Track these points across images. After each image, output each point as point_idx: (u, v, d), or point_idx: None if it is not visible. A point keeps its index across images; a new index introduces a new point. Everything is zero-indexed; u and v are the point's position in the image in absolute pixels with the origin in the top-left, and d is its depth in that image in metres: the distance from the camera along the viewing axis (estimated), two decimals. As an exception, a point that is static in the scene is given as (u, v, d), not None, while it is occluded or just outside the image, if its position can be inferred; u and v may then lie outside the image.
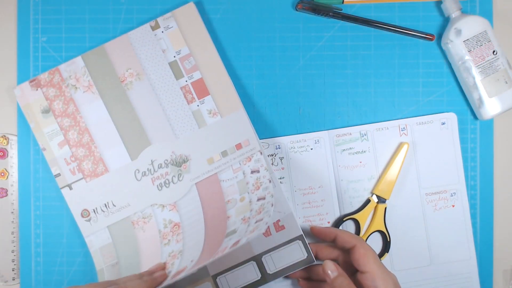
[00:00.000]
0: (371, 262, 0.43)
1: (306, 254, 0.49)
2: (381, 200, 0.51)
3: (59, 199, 0.51)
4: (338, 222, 0.51)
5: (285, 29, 0.52)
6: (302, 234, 0.49)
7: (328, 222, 0.51)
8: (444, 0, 0.50)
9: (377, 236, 0.52)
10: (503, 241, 0.53)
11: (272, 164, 0.51)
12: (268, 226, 0.49)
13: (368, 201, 0.51)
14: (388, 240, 0.51)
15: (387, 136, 0.52)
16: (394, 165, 0.51)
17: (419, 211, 0.51)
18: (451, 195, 0.51)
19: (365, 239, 0.51)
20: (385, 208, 0.51)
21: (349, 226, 0.52)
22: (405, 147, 0.50)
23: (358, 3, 0.52)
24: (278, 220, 0.49)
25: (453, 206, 0.51)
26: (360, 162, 0.51)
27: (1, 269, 0.53)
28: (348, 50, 0.52)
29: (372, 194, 0.51)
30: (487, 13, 0.52)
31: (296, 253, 0.49)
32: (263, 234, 0.49)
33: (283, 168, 0.51)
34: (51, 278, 0.52)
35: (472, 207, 0.52)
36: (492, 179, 0.52)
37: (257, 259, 0.49)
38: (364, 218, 0.51)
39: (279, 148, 0.51)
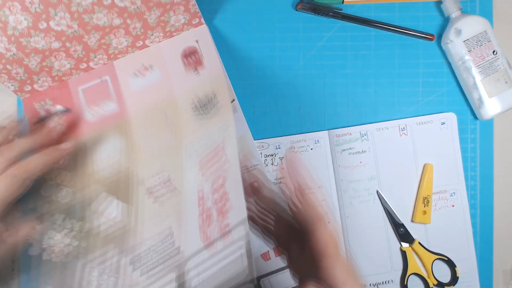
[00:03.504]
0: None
1: None
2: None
3: (59, 199, 0.51)
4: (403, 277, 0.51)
5: (285, 29, 0.52)
6: None
7: (329, 222, 0.51)
8: (444, 0, 0.50)
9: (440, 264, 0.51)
10: (503, 241, 0.53)
11: (272, 164, 0.51)
12: (268, 251, 0.49)
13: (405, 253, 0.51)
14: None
15: (387, 136, 0.52)
16: None
17: (419, 211, 0.51)
18: (451, 195, 0.51)
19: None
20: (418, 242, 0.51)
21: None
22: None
23: (358, 3, 0.52)
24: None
25: (453, 206, 0.51)
26: (360, 162, 0.51)
27: (1, 269, 0.52)
28: (348, 50, 0.52)
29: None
30: (487, 13, 0.52)
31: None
32: (263, 258, 0.49)
33: (283, 168, 0.51)
34: (51, 279, 0.52)
35: (472, 207, 0.52)
36: (492, 179, 0.52)
37: (255, 283, 0.49)
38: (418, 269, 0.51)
39: (279, 148, 0.51)
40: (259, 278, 0.49)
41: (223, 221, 0.45)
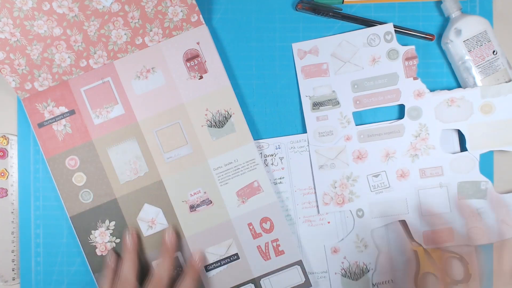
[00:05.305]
0: None
1: (304, 279, 0.49)
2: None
3: (59, 199, 0.51)
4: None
5: (285, 29, 0.52)
6: (301, 260, 0.49)
7: (328, 222, 0.51)
8: (444, 0, 0.50)
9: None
10: (503, 241, 0.52)
11: (272, 164, 0.51)
12: (268, 250, 0.50)
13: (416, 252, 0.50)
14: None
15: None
16: None
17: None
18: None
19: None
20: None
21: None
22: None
23: (358, 3, 0.52)
24: (278, 245, 0.49)
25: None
26: (360, 162, 0.52)
27: (1, 269, 0.53)
28: (348, 50, 0.52)
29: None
30: (487, 13, 0.52)
31: (294, 278, 0.49)
32: (263, 257, 0.50)
33: (283, 168, 0.51)
34: (51, 278, 0.52)
35: (472, 207, 0.52)
36: (492, 179, 0.52)
37: (256, 282, 0.49)
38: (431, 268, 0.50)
39: (279, 148, 0.51)
40: (259, 278, 0.49)
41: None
